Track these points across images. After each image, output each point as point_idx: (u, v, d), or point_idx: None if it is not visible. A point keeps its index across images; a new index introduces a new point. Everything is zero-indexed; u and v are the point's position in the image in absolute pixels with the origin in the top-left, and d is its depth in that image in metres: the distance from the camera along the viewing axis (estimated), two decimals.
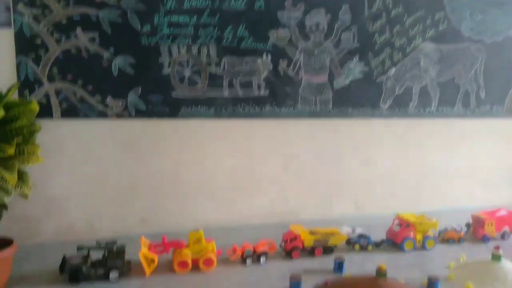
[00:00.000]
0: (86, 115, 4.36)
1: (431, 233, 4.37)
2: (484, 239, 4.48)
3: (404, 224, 4.25)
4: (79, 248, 3.45)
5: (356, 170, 5.40)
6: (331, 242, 4.07)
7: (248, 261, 3.83)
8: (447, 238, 4.46)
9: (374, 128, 5.43)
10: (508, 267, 3.53)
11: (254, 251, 3.85)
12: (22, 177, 3.22)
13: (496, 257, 3.60)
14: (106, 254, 3.50)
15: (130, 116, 4.50)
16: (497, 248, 3.60)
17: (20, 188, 3.16)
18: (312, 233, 4.09)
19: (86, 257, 3.49)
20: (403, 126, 5.55)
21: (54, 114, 4.25)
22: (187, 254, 3.64)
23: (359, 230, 4.26)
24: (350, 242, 4.26)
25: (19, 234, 3.71)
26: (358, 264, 3.90)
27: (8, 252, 3.22)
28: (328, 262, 3.88)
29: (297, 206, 5.22)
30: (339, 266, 3.69)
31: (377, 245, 4.30)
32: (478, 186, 5.99)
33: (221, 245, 3.91)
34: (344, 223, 5.07)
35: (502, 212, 4.73)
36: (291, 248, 3.96)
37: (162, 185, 4.66)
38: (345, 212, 5.40)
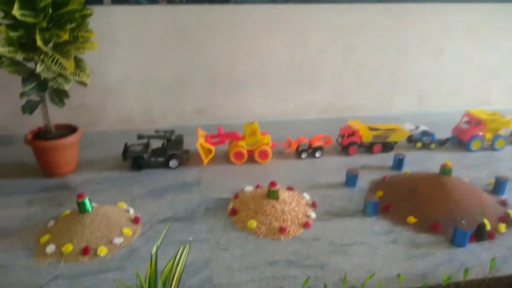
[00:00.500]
0: (136, 1, 4.15)
1: (502, 132, 4.04)
2: None
3: (474, 122, 3.92)
4: (140, 137, 3.53)
5: (422, 62, 4.91)
6: (391, 138, 3.88)
7: (303, 154, 3.78)
8: None
9: (447, 15, 4.76)
10: None
11: (310, 145, 3.78)
12: (79, 64, 3.19)
13: None
14: (165, 143, 3.58)
15: (181, 1, 4.23)
16: None
17: (78, 75, 3.15)
18: (371, 129, 3.90)
19: (147, 145, 3.59)
20: (481, 13, 4.83)
21: (104, 0, 4.08)
22: (243, 146, 3.64)
23: (422, 127, 4.00)
24: (411, 140, 4.05)
25: (82, 122, 3.86)
26: (419, 162, 3.74)
27: (74, 137, 3.37)
28: (387, 159, 3.75)
29: (355, 101, 4.96)
30: (398, 163, 3.55)
31: (441, 143, 4.06)
32: None
33: (276, 139, 3.88)
34: (405, 120, 4.82)
35: None
36: (348, 143, 3.83)
37: (216, 76, 4.53)
38: (408, 109, 5.09)
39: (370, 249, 2.55)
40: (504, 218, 2.80)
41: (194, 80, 4.50)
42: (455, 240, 2.59)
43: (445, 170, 2.99)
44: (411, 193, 2.98)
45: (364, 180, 3.40)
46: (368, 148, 3.90)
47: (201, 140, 3.60)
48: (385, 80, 4.90)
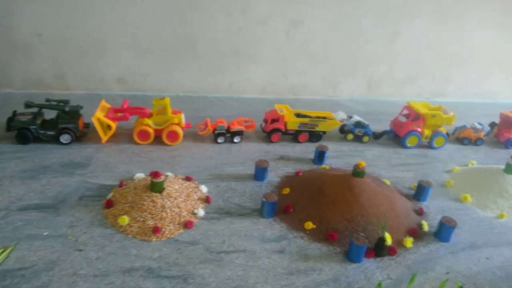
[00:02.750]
0: None
1: (443, 129, 3.70)
2: (508, 143, 3.77)
3: (413, 115, 3.55)
4: (27, 105, 3.06)
5: (376, 45, 4.48)
6: (320, 128, 3.50)
7: (220, 139, 3.38)
8: (462, 137, 3.78)
9: None
10: None
11: (228, 129, 3.38)
12: None
13: (509, 168, 2.95)
14: (58, 114, 3.13)
15: None
16: None
17: None
18: (298, 115, 3.51)
19: (36, 115, 3.13)
20: None
21: None
22: (149, 124, 3.22)
23: (356, 118, 3.62)
24: (344, 131, 3.68)
25: None
26: (345, 157, 3.39)
27: None
28: (312, 149, 3.39)
29: (298, 82, 4.53)
30: (320, 156, 3.19)
31: (377, 136, 3.70)
32: None
33: (203, 118, 3.49)
34: (354, 106, 4.45)
35: None
36: (271, 130, 3.44)
37: (142, 41, 4.03)
38: (355, 94, 4.70)
39: (250, 259, 2.21)
40: (414, 231, 2.48)
41: (116, 43, 4.00)
42: (350, 254, 2.27)
43: (356, 171, 2.64)
44: (316, 194, 2.63)
45: (278, 173, 3.04)
46: (295, 136, 3.52)
47: (99, 114, 3.15)
48: (332, 61, 4.48)
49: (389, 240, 2.27)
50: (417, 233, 2.48)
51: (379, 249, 2.30)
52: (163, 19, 3.97)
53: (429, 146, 3.65)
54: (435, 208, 2.80)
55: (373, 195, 2.56)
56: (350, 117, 3.63)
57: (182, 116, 3.31)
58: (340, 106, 4.48)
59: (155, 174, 2.47)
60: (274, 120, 3.44)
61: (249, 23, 4.13)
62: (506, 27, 4.60)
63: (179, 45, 4.11)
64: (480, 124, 3.77)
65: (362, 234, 2.31)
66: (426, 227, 2.53)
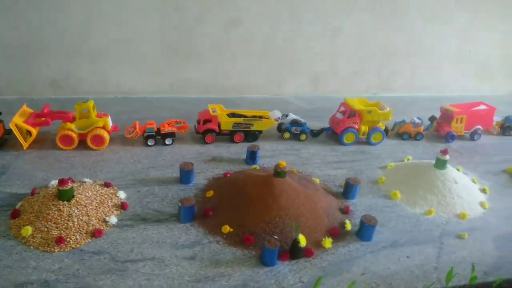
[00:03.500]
0: None
1: (382, 125, 3.67)
2: (448, 137, 3.75)
3: (348, 112, 3.50)
4: None
5: (318, 40, 4.42)
6: (255, 127, 3.42)
7: (150, 141, 3.26)
8: (401, 132, 3.75)
9: None
10: (451, 176, 2.88)
11: (158, 131, 3.26)
12: None
13: (439, 163, 2.92)
14: None
15: None
16: (444, 152, 2.90)
17: None
18: (233, 115, 3.42)
19: None
20: None
21: None
22: (72, 128, 3.07)
23: (292, 116, 3.55)
24: (281, 129, 3.61)
25: None
26: (281, 156, 3.31)
27: None
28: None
29: (241, 81, 4.44)
30: (251, 156, 3.10)
31: (315, 134, 3.65)
32: (472, 71, 5.03)
33: (141, 119, 3.37)
34: (299, 104, 4.40)
35: (480, 107, 3.90)
36: (204, 131, 3.34)
37: (76, 42, 3.87)
38: (301, 91, 4.63)
39: (156, 268, 2.10)
40: (334, 231, 2.42)
41: (48, 45, 3.84)
42: (263, 258, 2.19)
43: (277, 171, 2.56)
44: (237, 196, 2.54)
45: (207, 175, 2.94)
46: (230, 137, 3.43)
47: (17, 120, 3.00)
48: (275, 58, 4.41)
49: (303, 242, 2.20)
50: (338, 233, 2.42)
51: (293, 251, 2.22)
52: (95, 19, 3.83)
53: (368, 142, 3.61)
54: (363, 206, 2.75)
55: (294, 195, 2.49)
56: (286, 116, 3.56)
57: (108, 119, 3.18)
58: (285, 103, 4.42)
59: (61, 182, 2.33)
60: (207, 121, 3.35)
61: (185, 22, 4.02)
62: (451, 20, 4.60)
63: (113, 45, 3.98)
64: (419, 118, 3.75)
65: (275, 236, 2.23)
66: (349, 226, 2.47)
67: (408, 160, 3.34)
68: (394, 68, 4.75)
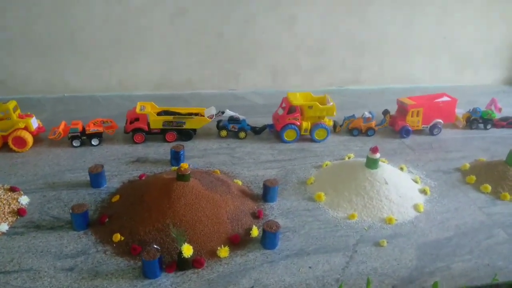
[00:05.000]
0: None
1: (327, 120, 3.42)
2: (403, 131, 3.47)
3: (288, 107, 3.28)
4: None
5: (273, 32, 4.19)
6: (188, 125, 3.25)
7: (75, 142, 3.14)
8: (351, 127, 3.49)
9: None
10: (381, 176, 2.63)
11: (83, 131, 3.14)
12: None
13: (370, 162, 2.67)
14: None
15: None
16: (374, 150, 2.64)
17: None
18: (165, 113, 3.26)
19: None
20: None
21: None
22: None
23: (229, 113, 3.35)
24: (218, 127, 3.42)
25: None
26: (212, 155, 3.13)
27: None
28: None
29: (193, 76, 4.26)
30: (174, 156, 2.93)
31: (257, 131, 3.44)
32: (449, 61, 4.68)
33: (83, 118, 3.25)
34: (254, 99, 4.20)
35: (442, 99, 3.59)
36: (132, 130, 3.19)
37: (19, 37, 3.78)
38: (260, 86, 4.42)
39: (29, 280, 1.97)
40: (235, 238, 2.23)
41: None
42: (143, 270, 2.02)
43: (180, 174, 2.38)
44: (136, 201, 2.38)
45: (124, 178, 2.79)
46: (162, 136, 3.28)
47: None
48: (229, 51, 4.21)
49: (187, 252, 2.02)
50: (239, 240, 2.23)
51: (179, 263, 2.05)
52: (36, 14, 3.72)
53: (312, 139, 3.37)
54: (281, 209, 2.54)
55: (194, 200, 2.31)
56: (223, 113, 3.36)
57: (32, 120, 3.08)
58: (241, 99, 4.23)
59: None
60: (134, 120, 3.20)
61: (129, 13, 3.87)
62: (422, 7, 4.27)
63: (55, 40, 3.86)
64: (370, 113, 3.48)
65: (156, 246, 2.06)
66: (255, 233, 2.27)
67: (349, 158, 3.10)
68: (362, 59, 4.47)
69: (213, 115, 3.30)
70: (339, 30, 4.24)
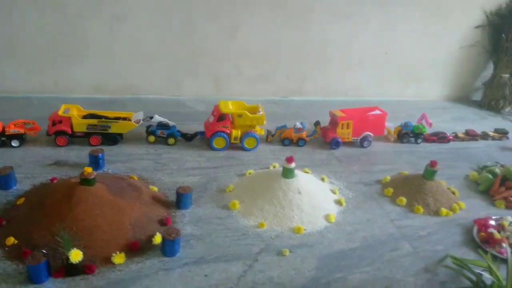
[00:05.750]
0: None
1: (258, 129, 3.43)
2: (332, 143, 3.51)
3: (218, 115, 3.27)
4: None
5: (216, 41, 4.20)
6: (114, 130, 3.20)
7: None
8: (283, 137, 3.51)
9: None
10: (296, 186, 2.64)
11: (3, 132, 3.04)
12: None
13: (285, 172, 2.68)
14: None
15: None
16: (289, 160, 2.65)
17: None
18: (91, 116, 3.20)
19: None
20: None
21: None
22: None
23: (158, 118, 3.32)
24: (147, 132, 3.38)
25: None
26: (136, 160, 3.08)
27: None
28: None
29: (134, 81, 4.22)
30: (93, 161, 2.87)
31: (189, 138, 3.42)
32: (393, 75, 4.78)
33: (11, 119, 3.14)
34: (195, 106, 4.19)
35: (374, 112, 3.66)
36: (54, 132, 3.12)
37: None
38: (202, 93, 4.40)
39: None
40: (134, 245, 2.18)
41: None
42: (29, 275, 1.95)
43: (84, 179, 2.32)
44: (36, 204, 2.31)
45: (37, 181, 2.71)
46: (87, 139, 3.21)
47: None
48: (170, 58, 4.19)
49: (75, 257, 1.96)
50: (138, 247, 2.18)
51: (67, 268, 1.99)
52: None
53: (241, 148, 3.37)
54: (192, 216, 2.51)
55: (96, 205, 2.25)
56: (151, 118, 3.33)
57: None
58: (183, 105, 4.21)
59: None
60: (57, 122, 3.13)
61: (66, 18, 3.81)
62: (360, 21, 4.36)
63: None
64: (301, 123, 3.51)
65: (43, 250, 2.00)
66: (158, 240, 2.23)
67: (273, 167, 3.10)
68: (305, 70, 4.52)
69: (140, 120, 3.26)
70: (282, 40, 4.28)
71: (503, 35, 4.61)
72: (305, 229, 2.46)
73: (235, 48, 4.23)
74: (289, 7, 4.16)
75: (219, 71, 4.32)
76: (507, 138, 4.06)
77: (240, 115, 3.26)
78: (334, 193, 2.86)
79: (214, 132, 3.26)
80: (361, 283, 2.12)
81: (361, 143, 3.59)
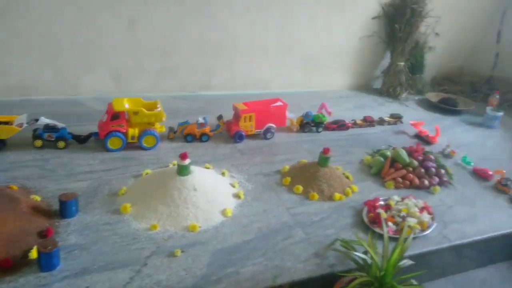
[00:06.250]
0: None
1: (159, 127, 3.32)
2: (236, 136, 3.50)
3: (111, 114, 3.10)
4: None
5: (113, 34, 3.97)
6: None
7: None
8: (186, 133, 3.44)
9: None
10: (191, 183, 2.58)
11: None
12: None
13: (179, 169, 2.62)
14: None
15: None
16: (183, 157, 2.60)
17: None
18: None
19: None
20: None
21: None
22: None
23: (44, 120, 3.07)
24: (33, 136, 3.11)
25: None
26: (22, 168, 2.83)
27: None
28: None
29: (23, 80, 3.86)
30: None
31: (81, 140, 3.21)
32: (298, 66, 4.88)
33: None
34: (94, 106, 3.94)
35: (275, 104, 3.71)
36: None
37: None
38: (102, 92, 4.15)
39: None
40: (5, 262, 1.98)
41: None
42: None
43: None
44: None
45: None
46: None
47: None
48: (61, 54, 3.90)
49: None
50: (10, 264, 1.99)
51: None
52: None
53: (140, 147, 3.24)
54: (79, 225, 2.35)
55: None
56: (36, 120, 3.07)
57: None
58: (79, 105, 3.95)
59: None
60: None
61: None
62: (267, 11, 4.36)
63: None
64: (204, 118, 3.46)
65: None
66: (34, 254, 2.05)
67: (173, 165, 3.01)
68: (212, 64, 4.46)
69: (23, 123, 2.99)
70: (186, 33, 4.17)
71: (396, 25, 4.91)
72: (200, 226, 2.42)
73: (134, 42, 4.04)
74: (188, 1, 4.04)
75: (118, 66, 4.11)
76: (401, 122, 4.35)
77: (136, 113, 3.12)
78: (234, 186, 2.85)
79: (108, 132, 3.09)
80: (252, 275, 2.13)
81: (265, 134, 3.63)
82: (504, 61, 5.56)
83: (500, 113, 4.46)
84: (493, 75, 5.61)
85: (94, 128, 3.28)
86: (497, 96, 4.74)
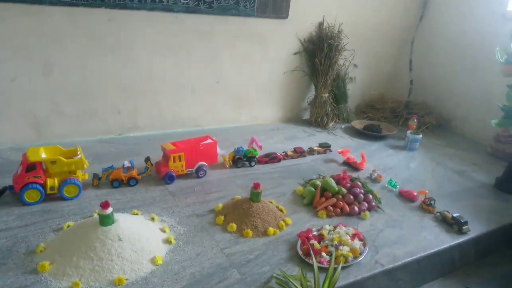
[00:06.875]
0: None
1: (82, 175, 3.15)
2: (166, 178, 3.40)
3: (25, 165, 2.89)
4: None
5: (28, 79, 3.73)
6: None
7: None
8: (112, 179, 3.27)
9: (47, 18, 3.60)
10: (115, 233, 2.44)
11: None
12: None
13: (102, 219, 2.46)
14: None
15: None
16: (104, 206, 2.45)
17: None
18: None
19: None
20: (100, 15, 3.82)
21: None
22: None
23: None
24: None
25: None
26: None
27: None
28: None
29: None
30: None
31: None
32: (226, 102, 4.93)
33: None
34: (11, 157, 3.63)
35: (206, 142, 3.69)
36: None
37: None
38: (21, 140, 3.87)
39: None
40: None
41: None
42: None
43: None
44: None
45: None
46: None
47: None
48: None
49: None
50: None
51: None
52: None
53: (61, 198, 3.02)
54: None
55: None
56: None
57: None
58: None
59: None
60: None
61: None
62: (184, 52, 4.39)
63: None
64: (130, 162, 3.33)
65: None
66: None
67: (95, 212, 2.83)
68: (137, 104, 4.35)
69: None
70: (107, 74, 4.04)
71: (316, 60, 5.18)
72: (127, 279, 2.28)
73: (50, 85, 3.83)
74: (106, 43, 3.95)
75: (36, 113, 3.86)
76: (330, 150, 4.51)
77: (53, 162, 2.93)
78: (164, 231, 2.73)
79: (24, 185, 2.85)
80: None
81: (197, 173, 3.57)
82: (418, 87, 6.06)
83: (419, 136, 4.79)
84: (410, 100, 6.07)
85: (10, 181, 3.02)
86: (415, 120, 5.11)
